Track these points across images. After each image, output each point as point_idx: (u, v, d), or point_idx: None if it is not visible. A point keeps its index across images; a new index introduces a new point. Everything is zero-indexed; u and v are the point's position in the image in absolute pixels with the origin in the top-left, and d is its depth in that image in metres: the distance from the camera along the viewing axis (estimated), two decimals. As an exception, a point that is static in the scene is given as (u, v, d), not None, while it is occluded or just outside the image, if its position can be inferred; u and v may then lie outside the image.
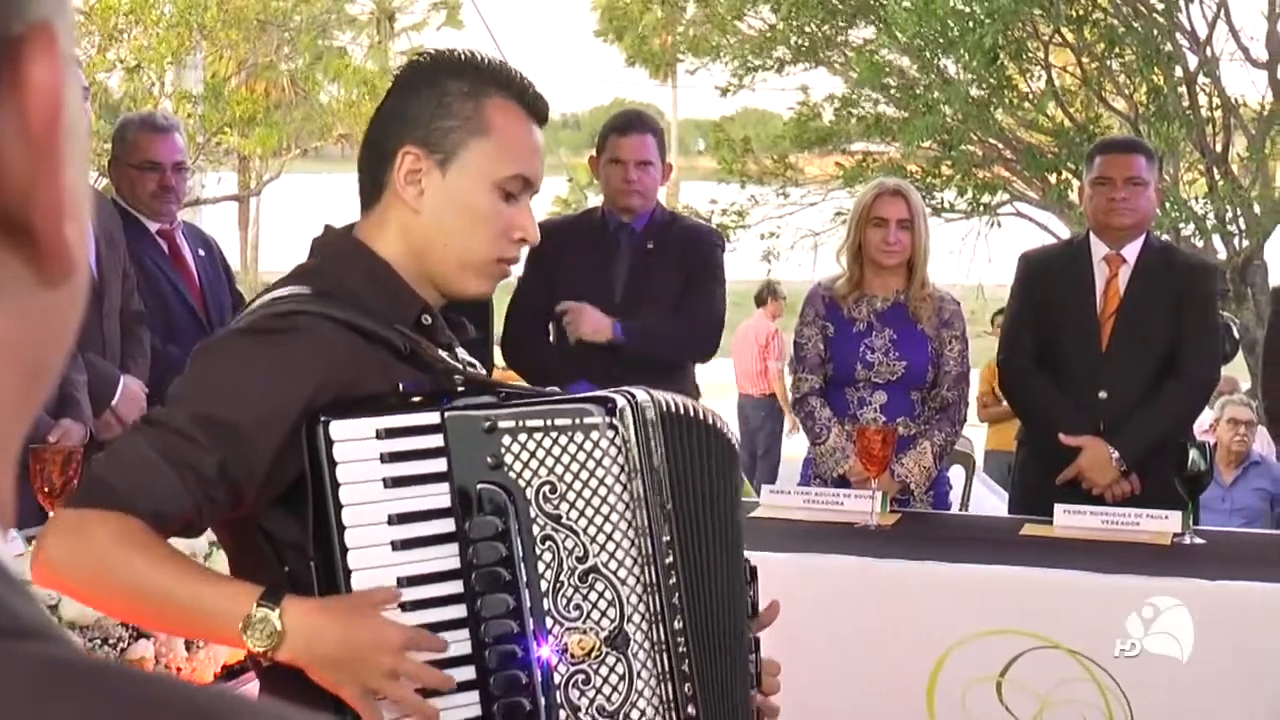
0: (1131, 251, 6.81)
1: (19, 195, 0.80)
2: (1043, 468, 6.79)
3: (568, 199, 31.53)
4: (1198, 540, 5.97)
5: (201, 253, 7.40)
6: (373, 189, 3.04)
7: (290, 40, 22.84)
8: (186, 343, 6.79)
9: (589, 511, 2.86)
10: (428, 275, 3.02)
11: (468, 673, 2.83)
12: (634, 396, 2.94)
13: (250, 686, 3.44)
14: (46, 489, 4.89)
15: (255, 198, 27.75)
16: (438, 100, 2.96)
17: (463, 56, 3.03)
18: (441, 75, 3.00)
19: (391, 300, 2.97)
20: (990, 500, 9.36)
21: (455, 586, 2.84)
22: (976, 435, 12.37)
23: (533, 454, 2.84)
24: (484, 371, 3.18)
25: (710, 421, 3.15)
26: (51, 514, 4.88)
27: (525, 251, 3.16)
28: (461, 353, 3.14)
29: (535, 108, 3.04)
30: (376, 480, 2.78)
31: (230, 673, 4.55)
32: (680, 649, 2.93)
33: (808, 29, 19.32)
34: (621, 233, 7.13)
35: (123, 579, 2.67)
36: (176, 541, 2.83)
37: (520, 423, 2.84)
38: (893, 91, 18.80)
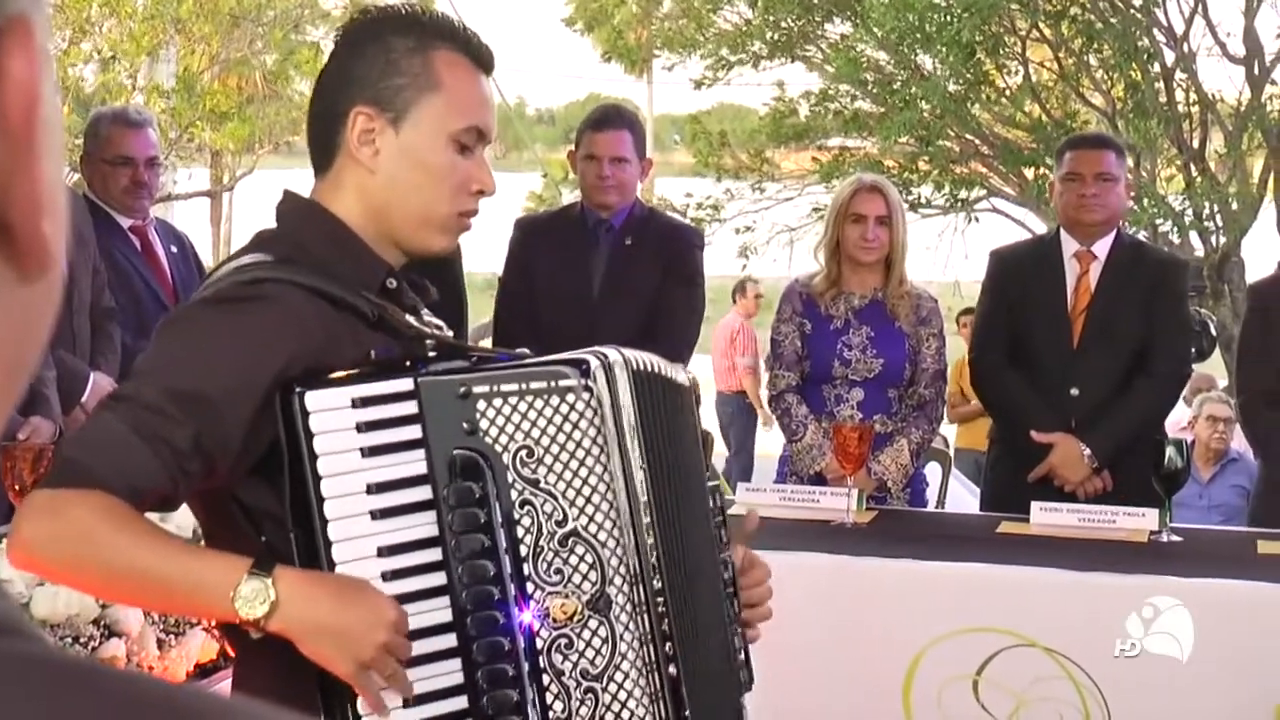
0: (1102, 248, 6.82)
1: None
2: (1015, 465, 6.80)
3: (542, 194, 31.46)
4: (1174, 538, 5.98)
5: (174, 249, 7.39)
6: (325, 153, 3.03)
7: (264, 35, 22.77)
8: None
9: (566, 474, 2.85)
10: (388, 234, 3.00)
11: (449, 640, 2.82)
12: (606, 356, 2.94)
13: (223, 685, 3.44)
14: (17, 486, 4.88)
15: (228, 193, 27.68)
16: (385, 58, 2.95)
17: (405, 11, 3.02)
18: (386, 32, 2.98)
19: (355, 264, 2.95)
20: (966, 498, 9.37)
21: (435, 554, 2.82)
22: (947, 434, 12.38)
23: (508, 418, 2.83)
24: (451, 335, 3.16)
25: (671, 374, 3.15)
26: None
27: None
28: (428, 315, 3.12)
29: (481, 57, 3.02)
30: (354, 450, 2.77)
31: (203, 671, 4.54)
32: (660, 609, 2.94)
33: (784, 23, 19.32)
34: (600, 228, 7.13)
35: (105, 557, 2.65)
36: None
37: (495, 387, 2.83)
38: (869, 87, 18.81)
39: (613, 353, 2.97)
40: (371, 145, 2.95)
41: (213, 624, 4.45)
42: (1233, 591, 5.47)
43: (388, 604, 2.72)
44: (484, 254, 8.25)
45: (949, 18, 17.18)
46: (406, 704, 2.77)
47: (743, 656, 3.28)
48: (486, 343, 8.16)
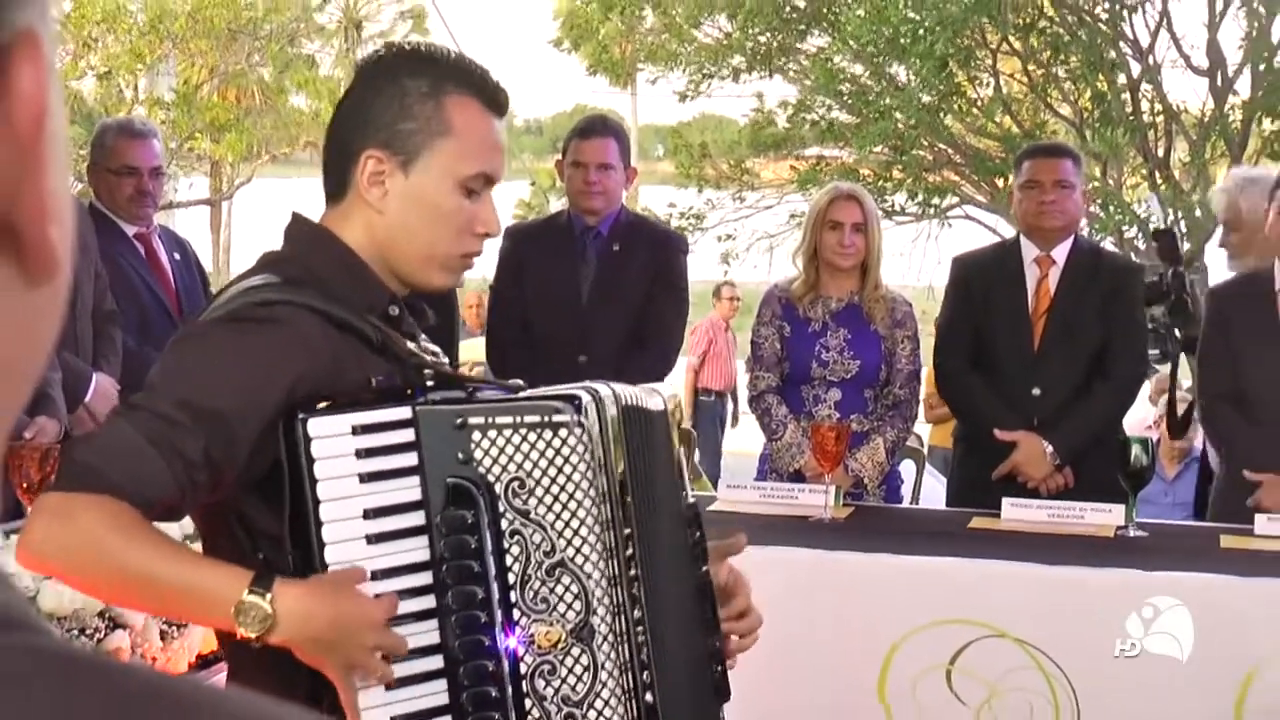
0: (1061, 253, 6.84)
1: (5, 199, 0.80)
2: (979, 462, 6.80)
3: (530, 202, 31.46)
4: (1140, 533, 5.99)
5: (176, 255, 7.39)
6: (338, 185, 3.02)
7: (260, 49, 22.79)
8: (162, 342, 6.76)
9: (556, 507, 2.86)
10: (392, 268, 3.00)
11: (436, 662, 2.83)
12: (598, 393, 2.94)
13: (223, 675, 3.44)
14: (24, 485, 4.88)
15: (227, 202, 27.69)
16: (399, 101, 2.93)
17: (422, 52, 3.01)
18: (402, 74, 2.96)
19: (361, 290, 2.95)
20: (940, 494, 9.37)
21: (426, 578, 2.83)
22: (921, 432, 12.37)
23: (502, 450, 2.83)
24: (447, 361, 3.16)
25: (648, 405, 3.15)
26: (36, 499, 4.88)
27: (489, 243, 3.14)
28: (425, 342, 3.12)
29: (495, 101, 3.01)
30: (352, 476, 2.78)
31: (204, 662, 4.55)
32: (640, 639, 2.94)
33: (763, 37, 19.34)
34: (587, 235, 7.14)
35: (113, 564, 2.65)
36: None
37: (490, 419, 2.84)
38: (845, 98, 18.84)
39: (603, 389, 2.98)
40: (381, 186, 2.94)
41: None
42: (1196, 584, 5.48)
43: (375, 605, 2.73)
44: (480, 259, 8.25)
45: (922, 31, 17.21)
46: None
47: (719, 673, 3.27)
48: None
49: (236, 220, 33.28)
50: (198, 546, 3.08)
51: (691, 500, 3.28)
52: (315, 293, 2.88)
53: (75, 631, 4.19)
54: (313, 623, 2.68)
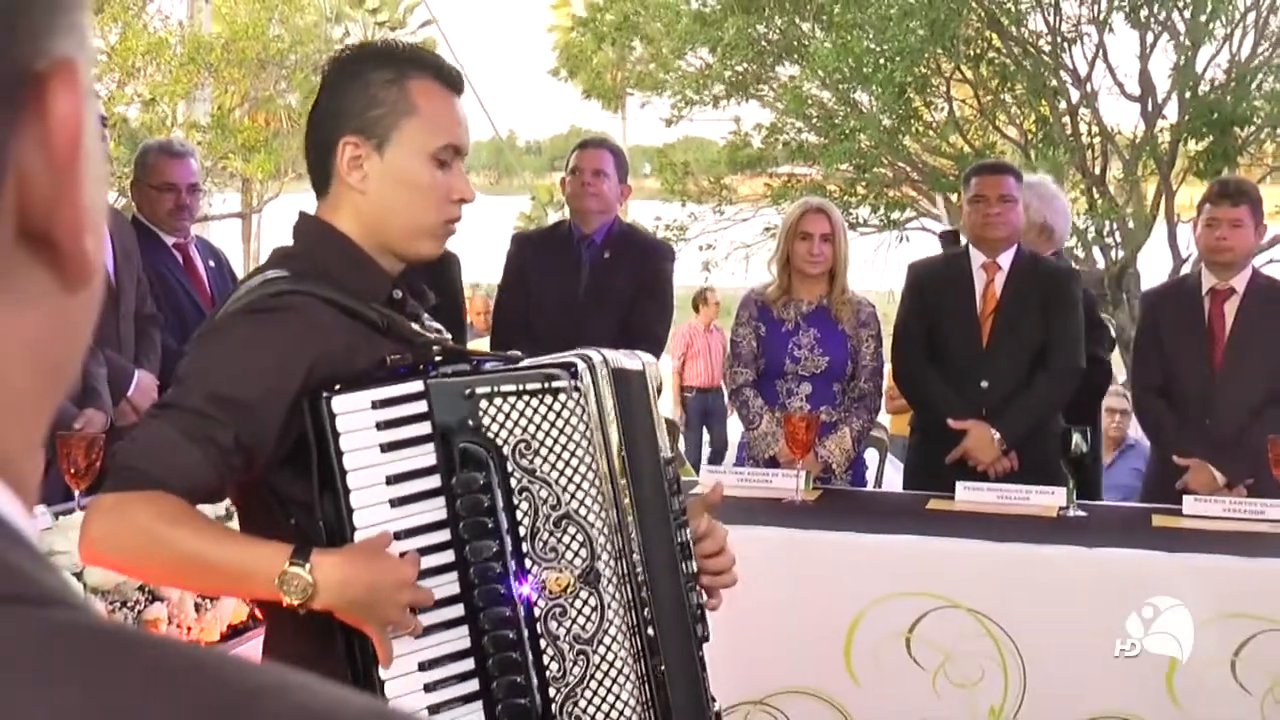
0: (1005, 260, 6.86)
1: (44, 212, 0.79)
2: (933, 448, 6.82)
3: (530, 215, 31.52)
4: (1080, 513, 6.00)
5: (211, 264, 7.40)
6: (323, 179, 3.01)
7: (287, 76, 22.78)
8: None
9: (559, 464, 2.87)
10: (384, 245, 2.99)
11: (458, 610, 2.85)
12: (590, 359, 2.96)
13: (254, 644, 3.43)
14: (72, 470, 4.89)
15: (257, 215, 27.65)
16: (366, 91, 2.93)
17: (379, 46, 3.04)
18: (366, 69, 2.95)
19: (364, 277, 2.95)
20: (900, 478, 9.39)
21: (444, 535, 2.84)
22: (884, 422, 12.38)
23: (507, 415, 2.85)
24: (450, 337, 3.15)
25: (640, 367, 3.16)
26: (88, 499, 4.88)
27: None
28: (429, 321, 3.11)
29: (451, 80, 3.00)
30: (374, 446, 2.78)
31: (235, 631, 4.54)
32: (640, 578, 2.97)
33: (740, 67, 19.35)
34: (584, 243, 7.17)
35: (167, 552, 2.66)
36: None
37: (495, 388, 2.85)
38: (814, 121, 18.85)
39: (595, 354, 2.99)
40: (360, 170, 2.94)
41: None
42: (1130, 559, 5.48)
43: (405, 565, 2.75)
44: (483, 265, 8.25)
45: (883, 61, 17.22)
46: (422, 667, 2.81)
47: (699, 614, 3.27)
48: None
49: (265, 232, 33.24)
50: (234, 523, 3.08)
51: (669, 455, 3.25)
52: (324, 283, 2.88)
53: (118, 604, 4.18)
54: (350, 587, 2.69)
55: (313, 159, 3.04)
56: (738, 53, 18.97)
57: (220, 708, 0.73)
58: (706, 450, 16.60)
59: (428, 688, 2.80)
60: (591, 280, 7.11)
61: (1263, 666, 5.29)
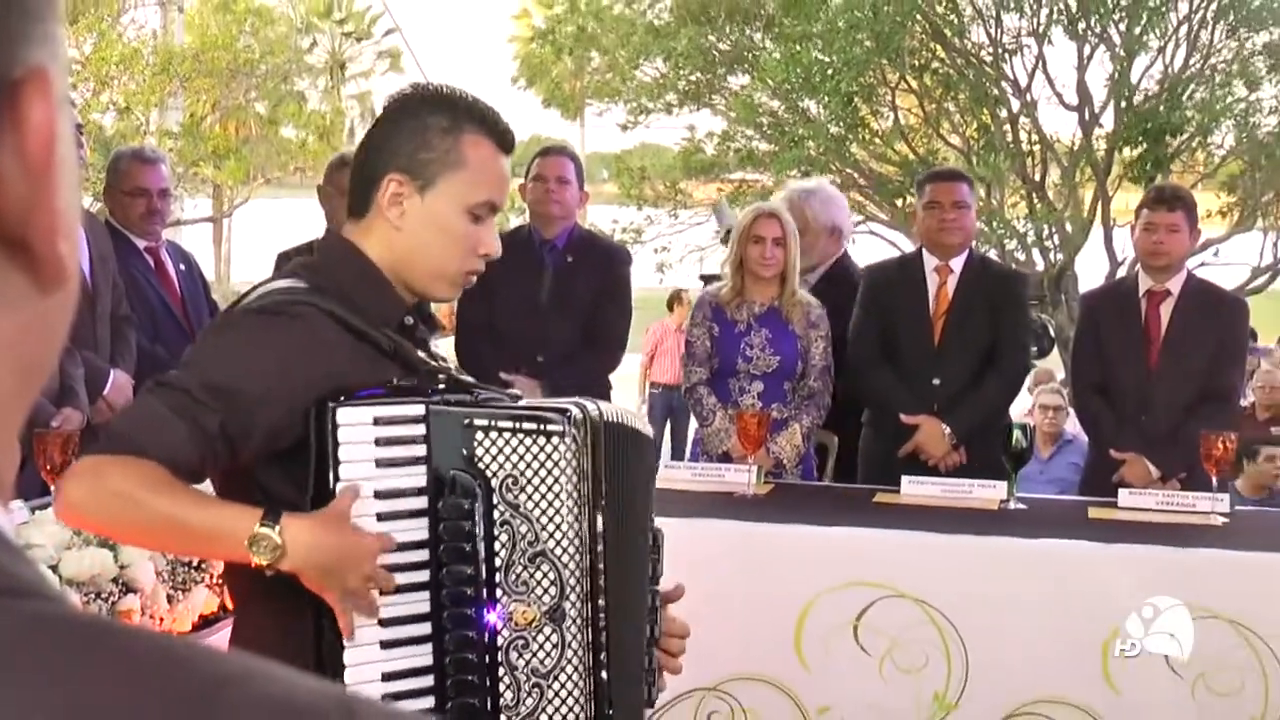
0: (957, 263, 6.89)
1: (20, 217, 0.79)
2: (885, 444, 6.84)
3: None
4: (1020, 505, 6.02)
5: (182, 267, 7.38)
6: (361, 202, 3.00)
7: (257, 86, 22.75)
8: (170, 343, 6.79)
9: (542, 504, 2.88)
10: (403, 280, 2.99)
11: (426, 628, 2.86)
12: (586, 409, 2.96)
13: (223, 634, 3.42)
14: (49, 467, 4.88)
15: (227, 219, 27.62)
16: (421, 134, 2.92)
17: (444, 93, 2.99)
18: (424, 111, 2.95)
19: (379, 300, 2.95)
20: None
21: (424, 555, 2.85)
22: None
23: (500, 450, 2.86)
24: (452, 366, 3.16)
25: (636, 426, 3.17)
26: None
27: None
28: (436, 349, 3.13)
29: (504, 140, 2.99)
30: (369, 460, 2.79)
31: (206, 622, 4.53)
32: (601, 623, 2.97)
33: (693, 77, 19.37)
34: (545, 247, 7.16)
35: (142, 513, 2.65)
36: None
37: (493, 422, 2.86)
38: (765, 129, 18.86)
39: (593, 406, 2.99)
40: (399, 207, 2.94)
41: (216, 579, 4.47)
42: (1068, 550, 5.49)
43: (372, 538, 2.75)
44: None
45: (831, 71, 17.25)
46: (385, 677, 2.81)
47: (653, 676, 3.30)
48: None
49: (235, 236, 33.22)
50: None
51: (656, 527, 3.28)
52: (338, 301, 2.88)
53: (92, 595, 4.17)
54: (316, 551, 2.69)
55: (356, 183, 3.03)
56: (691, 63, 18.99)
57: (190, 695, 0.73)
58: (668, 445, 16.60)
59: (385, 697, 2.79)
60: (554, 284, 7.10)
61: (1195, 652, 5.32)
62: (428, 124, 2.93)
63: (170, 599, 4.43)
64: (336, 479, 2.76)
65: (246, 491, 2.85)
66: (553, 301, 7.08)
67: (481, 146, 2.95)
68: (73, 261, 0.82)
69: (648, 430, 3.25)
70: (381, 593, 2.78)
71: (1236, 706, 5.31)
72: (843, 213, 7.80)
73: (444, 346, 8.45)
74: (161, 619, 4.38)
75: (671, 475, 6.27)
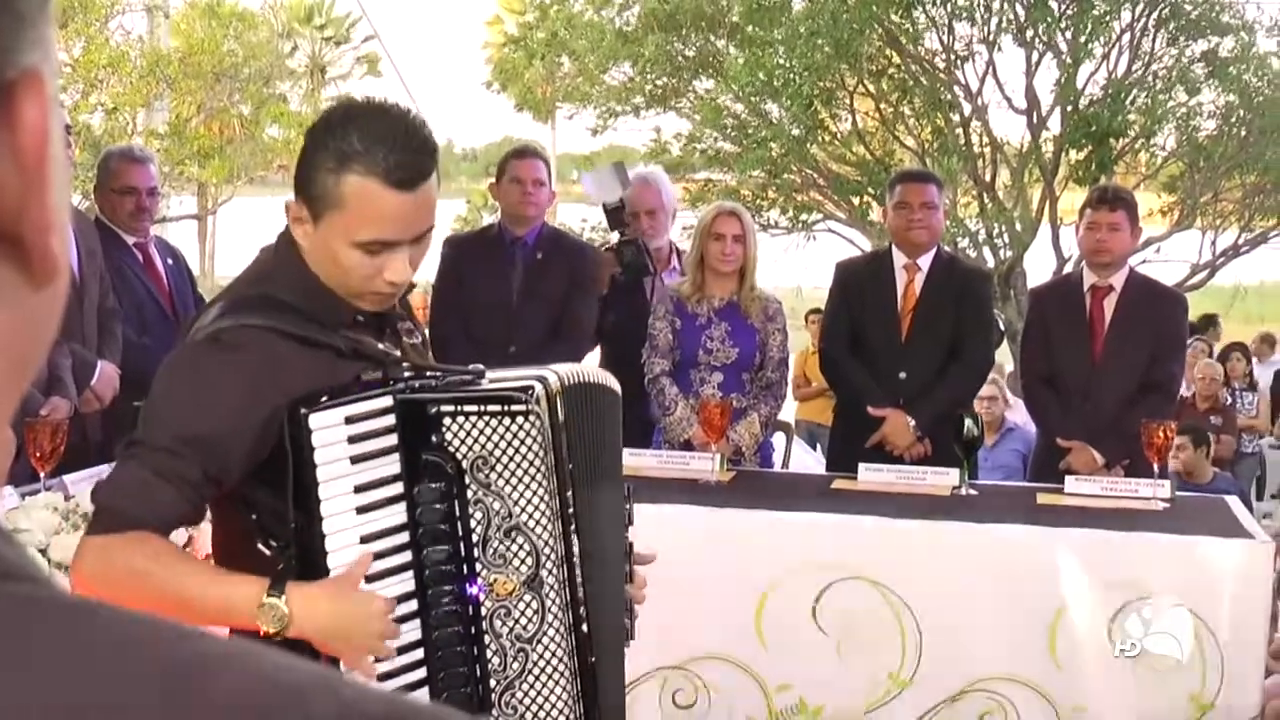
0: (925, 261, 6.89)
1: (12, 214, 0.78)
2: (853, 434, 6.85)
3: (467, 218, 31.43)
4: (972, 491, 6.04)
5: (170, 262, 7.36)
6: None
7: (241, 88, 22.68)
8: (158, 335, 6.77)
9: (513, 480, 2.88)
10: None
11: (412, 606, 2.88)
12: (546, 380, 2.94)
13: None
14: (38, 454, 4.86)
15: (211, 217, 27.55)
16: (310, 169, 2.81)
17: (343, 124, 2.80)
18: (319, 145, 2.80)
19: (322, 308, 2.89)
20: (806, 460, 9.41)
21: (404, 538, 2.87)
22: (789, 408, 12.42)
23: (468, 433, 2.85)
24: (419, 340, 3.14)
25: (599, 381, 3.17)
26: (53, 481, 4.85)
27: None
28: (406, 329, 3.10)
29: (395, 178, 2.76)
30: (344, 459, 2.80)
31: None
32: (578, 581, 2.98)
33: (660, 81, 19.36)
34: (516, 245, 7.16)
35: (154, 593, 2.66)
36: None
37: (459, 407, 2.85)
38: (728, 131, 18.87)
39: (552, 376, 2.97)
40: (300, 228, 2.86)
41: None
42: (1017, 534, 5.51)
43: (378, 600, 2.77)
44: (423, 264, 8.19)
45: (792, 76, 17.27)
46: (376, 659, 2.81)
47: (630, 617, 3.32)
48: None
49: (220, 232, 33.13)
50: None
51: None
52: (284, 313, 2.85)
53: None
54: (321, 617, 2.71)
55: None
56: (658, 68, 18.99)
57: (177, 674, 0.72)
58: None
59: (378, 677, 2.81)
60: (525, 280, 7.11)
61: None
62: (315, 161, 2.80)
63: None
64: (316, 481, 2.77)
65: (231, 506, 2.87)
66: (523, 296, 7.08)
67: (365, 190, 2.77)
68: (63, 257, 0.82)
69: (611, 383, 3.23)
70: (393, 649, 2.82)
71: (1176, 683, 5.33)
72: (670, 196, 7.85)
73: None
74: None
75: (636, 462, 6.27)
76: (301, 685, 0.74)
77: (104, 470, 5.10)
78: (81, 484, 4.77)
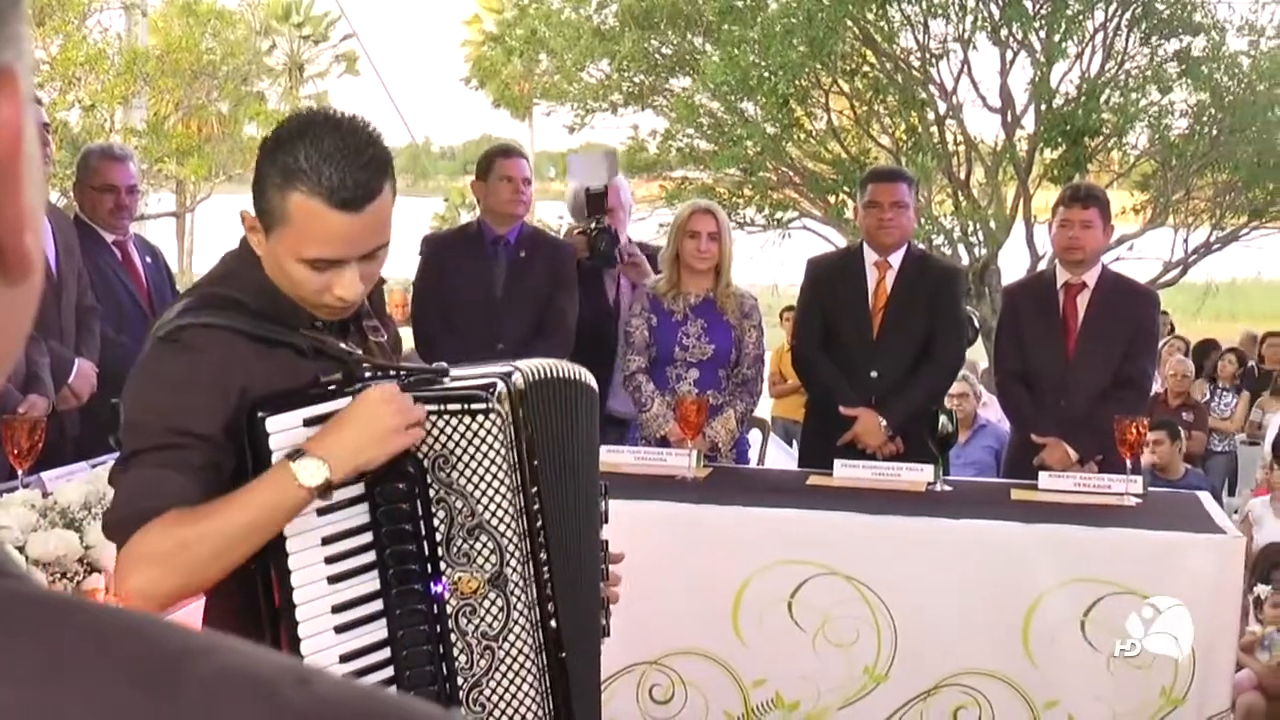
0: (896, 259, 6.90)
1: None
2: (826, 432, 6.85)
3: (444, 215, 31.46)
4: (946, 487, 6.05)
5: (148, 259, 7.35)
6: None
7: (219, 86, 22.65)
8: (136, 333, 6.75)
9: (475, 478, 2.86)
10: None
11: (377, 606, 2.86)
12: (509, 377, 2.91)
13: (186, 611, 3.40)
14: (16, 451, 4.86)
15: (189, 214, 27.50)
16: (261, 183, 2.79)
17: (287, 147, 2.76)
18: (270, 161, 2.77)
19: (280, 310, 2.86)
20: (781, 456, 9.42)
21: (368, 538, 2.85)
22: (765, 405, 12.41)
23: (429, 432, 2.83)
24: (385, 338, 3.13)
25: (568, 376, 3.15)
26: (30, 478, 4.84)
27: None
28: (371, 326, 3.08)
29: (338, 199, 2.72)
30: None
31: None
32: (545, 576, 2.96)
33: (636, 79, 19.35)
34: (498, 243, 7.15)
35: (204, 546, 2.62)
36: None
37: (419, 407, 2.82)
38: (705, 129, 18.86)
39: (516, 373, 2.94)
40: (255, 238, 2.84)
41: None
42: (991, 529, 5.52)
43: (377, 391, 2.76)
44: (400, 262, 8.18)
45: (767, 74, 17.26)
46: (343, 659, 2.80)
47: (605, 614, 3.32)
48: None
49: (198, 230, 33.07)
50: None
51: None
52: (243, 314, 2.82)
53: (58, 575, 4.14)
54: (346, 439, 2.70)
55: None
56: (634, 65, 18.98)
57: (155, 667, 0.72)
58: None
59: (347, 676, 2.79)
60: (508, 278, 7.11)
61: (1109, 626, 5.35)
62: (267, 174, 2.78)
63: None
64: None
65: None
66: (508, 294, 7.08)
67: (309, 209, 2.74)
68: (38, 253, 0.81)
69: (583, 377, 3.21)
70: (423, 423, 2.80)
71: (1148, 677, 5.35)
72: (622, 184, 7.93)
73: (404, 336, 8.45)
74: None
75: (614, 459, 6.28)
76: (278, 677, 0.74)
77: (82, 467, 5.11)
78: (59, 481, 4.76)
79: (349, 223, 2.74)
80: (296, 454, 2.66)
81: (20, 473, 4.88)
